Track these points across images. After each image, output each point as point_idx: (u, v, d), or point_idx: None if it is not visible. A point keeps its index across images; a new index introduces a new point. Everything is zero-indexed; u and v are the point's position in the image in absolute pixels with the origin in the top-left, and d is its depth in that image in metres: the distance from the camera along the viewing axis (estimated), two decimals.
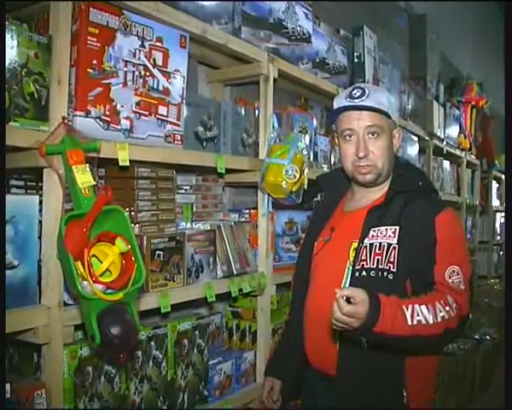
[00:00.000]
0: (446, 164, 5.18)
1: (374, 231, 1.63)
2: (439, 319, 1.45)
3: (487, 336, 4.58)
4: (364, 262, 1.60)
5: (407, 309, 1.44)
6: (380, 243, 1.60)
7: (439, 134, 4.70)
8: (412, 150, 4.01)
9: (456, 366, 3.83)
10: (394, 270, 1.56)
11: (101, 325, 1.37)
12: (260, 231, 2.32)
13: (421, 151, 4.38)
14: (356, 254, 1.62)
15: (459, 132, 5.38)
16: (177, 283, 1.88)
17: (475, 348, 4.32)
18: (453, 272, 1.52)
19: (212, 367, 2.10)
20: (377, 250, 1.59)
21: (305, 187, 2.31)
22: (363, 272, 1.59)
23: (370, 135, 1.65)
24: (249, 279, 2.21)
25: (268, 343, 2.35)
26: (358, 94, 1.66)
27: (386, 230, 1.61)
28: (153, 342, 1.83)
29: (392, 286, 1.55)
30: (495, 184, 7.15)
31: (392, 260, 1.57)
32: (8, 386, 1.38)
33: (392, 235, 1.59)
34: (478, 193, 6.41)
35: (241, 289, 2.15)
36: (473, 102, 5.75)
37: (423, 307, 1.45)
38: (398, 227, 1.60)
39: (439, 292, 1.51)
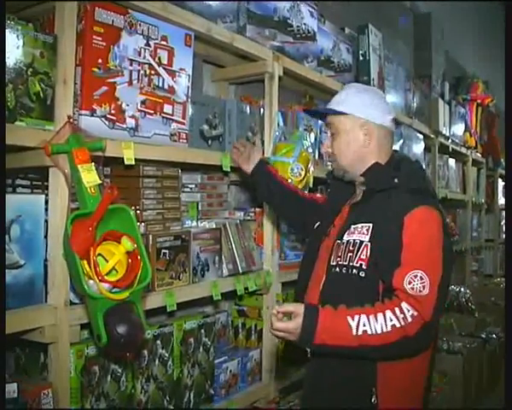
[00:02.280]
0: (452, 162, 5.17)
1: (354, 227, 1.60)
2: (390, 328, 1.40)
3: (493, 335, 4.56)
4: (339, 259, 1.58)
5: (352, 319, 1.40)
6: (354, 240, 1.57)
7: (444, 132, 4.69)
8: (418, 148, 4.00)
9: (462, 365, 3.81)
10: (365, 268, 1.52)
11: (108, 323, 1.37)
12: (266, 230, 2.32)
13: (427, 149, 4.37)
14: (332, 251, 1.62)
15: (465, 130, 5.37)
16: (182, 281, 1.88)
17: (482, 347, 4.30)
18: (415, 276, 1.43)
19: (218, 366, 2.10)
20: (351, 247, 1.57)
21: (311, 185, 2.30)
22: (337, 269, 1.58)
23: (332, 135, 1.71)
24: (255, 278, 2.21)
25: (274, 342, 2.34)
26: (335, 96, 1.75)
27: (362, 227, 1.57)
28: (159, 341, 1.83)
29: (362, 284, 1.52)
30: (501, 183, 7.12)
31: (363, 257, 1.53)
32: (15, 386, 1.38)
33: (366, 232, 1.56)
34: (484, 191, 6.38)
35: (246, 288, 2.15)
36: (478, 100, 5.74)
37: (371, 317, 1.40)
38: (371, 225, 1.56)
39: (396, 298, 1.44)
